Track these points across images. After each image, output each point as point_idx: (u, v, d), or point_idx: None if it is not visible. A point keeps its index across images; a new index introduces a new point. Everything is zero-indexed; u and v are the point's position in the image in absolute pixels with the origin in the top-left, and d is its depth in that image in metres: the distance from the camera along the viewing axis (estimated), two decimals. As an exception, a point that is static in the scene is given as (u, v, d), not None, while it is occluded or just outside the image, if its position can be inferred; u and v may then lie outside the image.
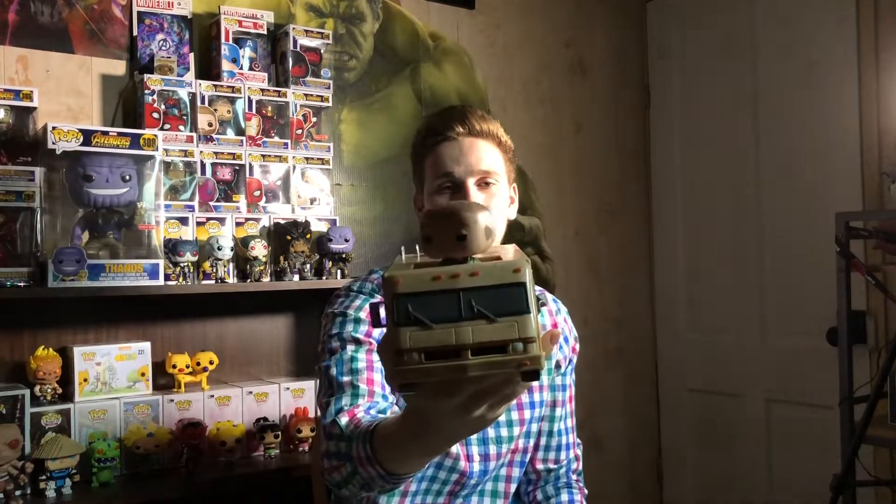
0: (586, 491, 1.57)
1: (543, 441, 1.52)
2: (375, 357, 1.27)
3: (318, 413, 1.27)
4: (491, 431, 1.42)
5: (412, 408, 0.85)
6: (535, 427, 1.49)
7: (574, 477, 1.56)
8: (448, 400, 0.74)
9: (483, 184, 1.35)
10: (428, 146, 1.36)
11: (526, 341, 0.67)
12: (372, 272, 1.43)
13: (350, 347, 1.28)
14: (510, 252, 0.77)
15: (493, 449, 1.42)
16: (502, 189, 1.38)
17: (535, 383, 1.45)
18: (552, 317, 1.53)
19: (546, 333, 0.74)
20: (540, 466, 1.52)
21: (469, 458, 1.39)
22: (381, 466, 0.97)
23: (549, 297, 1.57)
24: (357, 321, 1.30)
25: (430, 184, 1.37)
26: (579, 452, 1.58)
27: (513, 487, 1.50)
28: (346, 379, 1.23)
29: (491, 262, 0.69)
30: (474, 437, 1.39)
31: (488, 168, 1.34)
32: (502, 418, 1.42)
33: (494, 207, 1.35)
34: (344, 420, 1.14)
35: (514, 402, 1.41)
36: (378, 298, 1.31)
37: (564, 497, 1.52)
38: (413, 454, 0.92)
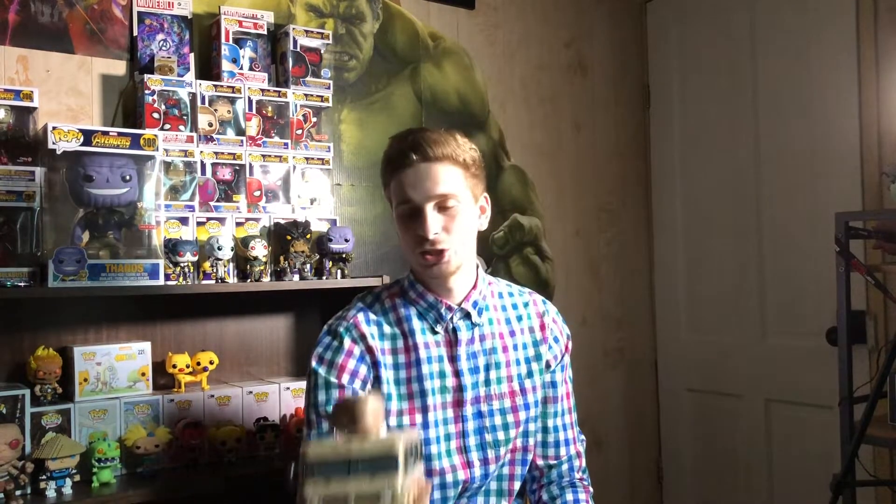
0: (591, 490, 1.58)
1: (540, 437, 1.55)
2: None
3: None
4: (488, 436, 1.46)
5: None
6: (531, 426, 1.52)
7: (578, 475, 1.58)
8: None
9: (442, 207, 1.40)
10: (389, 172, 1.45)
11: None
12: (355, 303, 1.51)
13: (325, 426, 1.39)
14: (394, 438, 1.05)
15: (490, 453, 1.46)
16: (464, 208, 1.42)
17: (527, 384, 1.49)
18: (540, 318, 1.57)
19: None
20: (540, 462, 1.56)
21: (469, 464, 1.43)
22: None
23: (538, 297, 1.61)
24: (328, 386, 1.41)
25: (395, 207, 1.45)
26: (581, 449, 1.60)
27: (517, 485, 1.52)
28: None
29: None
30: (472, 443, 1.44)
31: (445, 191, 1.40)
32: (498, 421, 1.46)
33: (455, 227, 1.41)
34: None
35: (508, 404, 1.46)
36: (349, 345, 1.44)
37: (569, 497, 1.54)
38: None
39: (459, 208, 1.41)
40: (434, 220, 1.39)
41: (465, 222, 1.43)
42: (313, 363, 1.44)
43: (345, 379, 1.40)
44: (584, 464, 1.60)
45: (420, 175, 1.39)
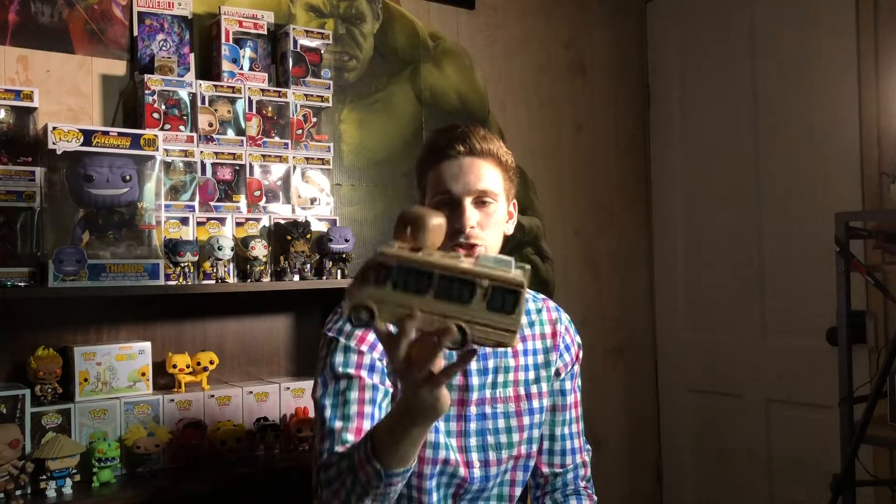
0: (595, 498, 1.58)
1: (546, 445, 1.54)
2: (367, 395, 1.35)
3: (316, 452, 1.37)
4: (490, 438, 1.44)
5: (399, 398, 1.06)
6: (536, 433, 1.50)
7: (583, 484, 1.57)
8: (412, 371, 0.98)
9: (480, 202, 1.40)
10: (430, 162, 1.42)
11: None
12: None
13: (342, 384, 1.35)
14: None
15: (492, 455, 1.44)
16: (500, 207, 1.43)
17: (534, 389, 1.49)
18: (552, 325, 1.55)
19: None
20: (545, 470, 1.54)
21: (469, 464, 1.42)
22: (377, 460, 1.09)
23: (552, 304, 1.60)
24: (347, 350, 1.37)
25: (430, 199, 1.43)
26: (587, 458, 1.58)
27: (518, 491, 1.51)
28: (337, 425, 1.31)
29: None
30: (473, 444, 1.43)
31: (486, 187, 1.40)
32: (501, 425, 1.45)
33: (490, 225, 1.41)
34: (342, 449, 1.26)
35: (513, 408, 1.45)
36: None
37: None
38: (399, 438, 1.07)
39: (496, 207, 1.41)
40: (472, 214, 1.38)
41: (499, 222, 1.43)
42: (331, 334, 1.40)
43: (364, 347, 1.37)
44: (589, 473, 1.58)
45: (464, 168, 1.39)
